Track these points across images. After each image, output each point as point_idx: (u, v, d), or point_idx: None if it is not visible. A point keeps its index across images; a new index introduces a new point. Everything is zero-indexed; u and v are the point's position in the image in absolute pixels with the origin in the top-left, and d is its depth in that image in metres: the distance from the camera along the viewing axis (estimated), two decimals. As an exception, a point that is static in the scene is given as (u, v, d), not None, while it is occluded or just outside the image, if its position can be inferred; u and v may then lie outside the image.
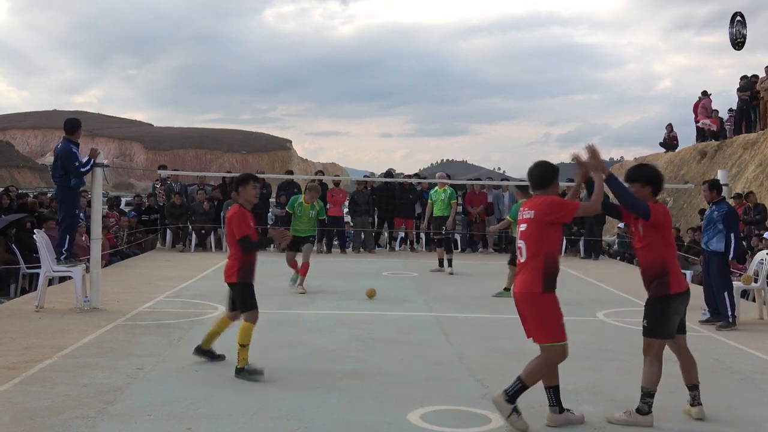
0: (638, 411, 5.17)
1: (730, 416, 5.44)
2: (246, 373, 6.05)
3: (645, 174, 5.37)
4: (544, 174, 5.21)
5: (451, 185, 14.52)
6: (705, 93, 23.70)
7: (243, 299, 6.26)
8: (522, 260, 5.11)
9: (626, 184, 5.35)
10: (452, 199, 13.70)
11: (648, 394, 5.19)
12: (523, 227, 5.15)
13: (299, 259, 11.28)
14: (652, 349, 5.24)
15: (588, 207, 5.32)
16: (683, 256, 15.37)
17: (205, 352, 6.62)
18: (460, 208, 16.46)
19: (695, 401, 5.39)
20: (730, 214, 8.98)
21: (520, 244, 5.13)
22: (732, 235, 8.88)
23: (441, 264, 13.82)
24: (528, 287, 5.03)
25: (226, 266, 6.31)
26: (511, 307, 9.94)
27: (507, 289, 10.48)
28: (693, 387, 5.39)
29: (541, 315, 5.04)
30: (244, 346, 6.08)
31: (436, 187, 14.06)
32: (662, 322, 5.23)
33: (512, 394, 4.94)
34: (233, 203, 6.40)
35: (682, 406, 5.54)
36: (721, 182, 9.69)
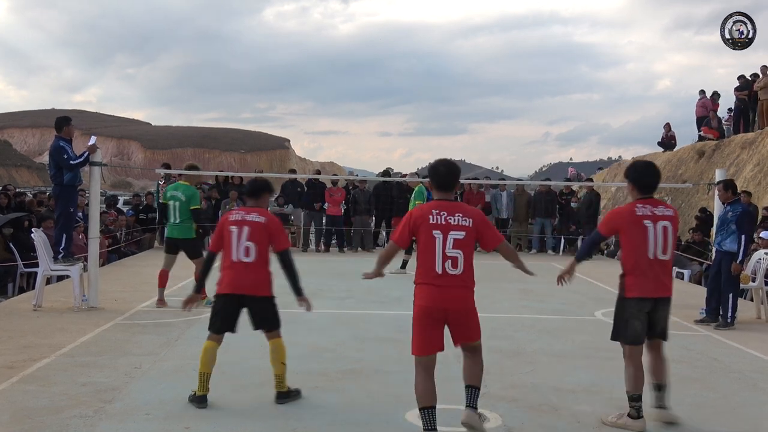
0: (629, 415, 5.07)
1: (728, 416, 5.44)
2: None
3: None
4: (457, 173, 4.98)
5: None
6: (713, 94, 23.59)
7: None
8: (458, 272, 4.81)
9: None
10: (417, 198, 13.07)
11: (632, 398, 5.08)
12: (461, 234, 4.79)
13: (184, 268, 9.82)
14: (624, 352, 5.19)
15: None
16: (682, 256, 15.36)
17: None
18: None
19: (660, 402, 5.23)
20: (744, 215, 8.94)
21: (456, 254, 4.78)
22: (743, 237, 8.83)
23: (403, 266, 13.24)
24: (470, 299, 4.93)
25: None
26: (509, 307, 10.02)
27: None
28: (659, 387, 5.26)
29: (476, 314, 4.98)
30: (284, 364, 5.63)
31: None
32: (620, 324, 5.19)
33: (475, 405, 4.91)
34: (230, 203, 6.28)
35: (687, 407, 5.54)
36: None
